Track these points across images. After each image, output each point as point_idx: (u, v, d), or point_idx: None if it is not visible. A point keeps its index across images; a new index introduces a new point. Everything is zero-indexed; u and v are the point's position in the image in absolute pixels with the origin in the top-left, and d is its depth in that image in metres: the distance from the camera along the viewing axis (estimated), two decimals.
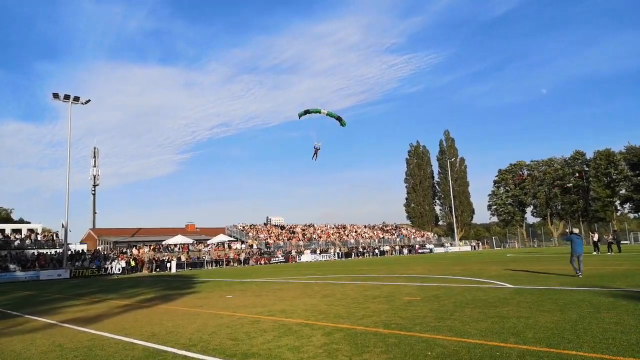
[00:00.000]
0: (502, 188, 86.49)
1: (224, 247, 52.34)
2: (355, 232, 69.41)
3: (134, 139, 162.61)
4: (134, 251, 45.94)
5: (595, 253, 31.23)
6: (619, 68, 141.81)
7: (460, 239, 77.74)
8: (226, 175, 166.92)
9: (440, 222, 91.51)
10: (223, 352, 6.54)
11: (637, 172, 71.49)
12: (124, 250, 46.99)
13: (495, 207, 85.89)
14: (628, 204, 74.98)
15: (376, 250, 61.17)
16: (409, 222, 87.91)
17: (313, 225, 69.01)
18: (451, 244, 71.32)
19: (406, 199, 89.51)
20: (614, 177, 72.98)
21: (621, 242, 37.72)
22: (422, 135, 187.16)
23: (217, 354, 6.45)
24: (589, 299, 9.82)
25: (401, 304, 10.47)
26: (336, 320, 8.82)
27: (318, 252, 55.98)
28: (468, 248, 71.33)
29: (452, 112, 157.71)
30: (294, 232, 63.49)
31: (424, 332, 7.15)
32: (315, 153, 35.37)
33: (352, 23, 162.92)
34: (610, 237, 35.76)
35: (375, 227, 74.94)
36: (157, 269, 42.20)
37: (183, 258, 45.61)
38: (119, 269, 40.11)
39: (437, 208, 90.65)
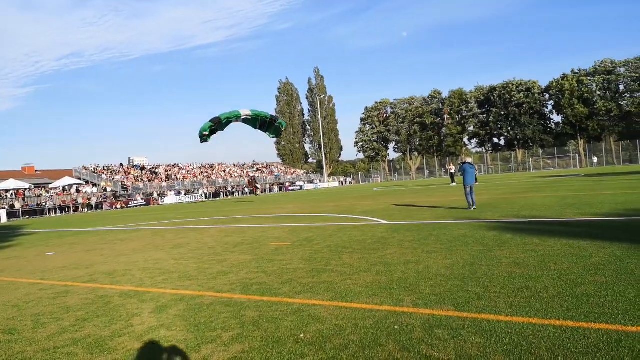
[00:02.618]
0: (368, 125, 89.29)
1: (70, 191, 45.89)
2: (224, 171, 66.47)
3: None
4: None
5: (453, 184, 33.07)
6: (471, 16, 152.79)
7: (329, 176, 79.39)
8: (80, 112, 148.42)
9: (310, 160, 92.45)
10: None
11: (483, 109, 78.63)
12: None
13: (361, 143, 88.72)
14: (475, 139, 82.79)
15: (246, 190, 59.31)
16: (279, 160, 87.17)
17: (178, 165, 64.32)
18: (320, 181, 72.39)
19: None
20: (464, 114, 79.40)
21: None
22: (292, 73, 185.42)
23: None
24: (471, 234, 8.95)
25: (267, 253, 8.61)
26: (181, 282, 6.63)
27: (183, 193, 52.29)
28: (336, 184, 73.12)
29: (322, 51, 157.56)
30: (156, 173, 58.42)
31: (295, 296, 5.32)
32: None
33: None
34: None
35: (245, 166, 72.71)
36: None
37: (17, 205, 38.86)
38: None
39: (307, 146, 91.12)
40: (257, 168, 72.63)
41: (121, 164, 60.39)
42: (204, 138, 20.99)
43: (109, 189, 48.98)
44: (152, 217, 24.44)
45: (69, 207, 41.45)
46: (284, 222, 14.64)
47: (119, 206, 44.30)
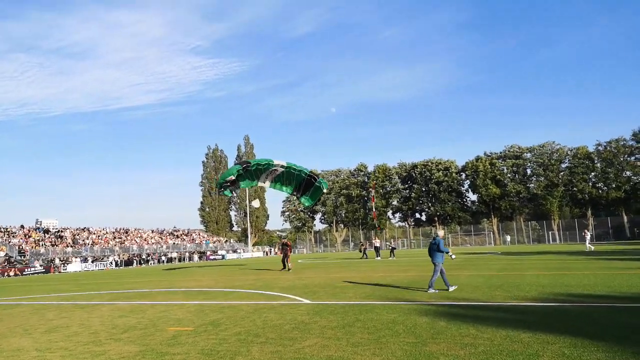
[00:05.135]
0: None
1: None
2: (140, 237, 62.13)
3: None
4: None
5: (378, 258, 32.62)
6: (392, 97, 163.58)
7: (254, 245, 76.96)
8: None
9: (235, 228, 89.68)
10: None
11: (406, 185, 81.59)
12: None
13: (288, 213, 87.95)
14: (398, 213, 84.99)
15: (163, 258, 55.41)
16: (202, 227, 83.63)
17: (88, 229, 59.25)
18: (244, 250, 69.77)
19: (201, 202, 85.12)
20: (388, 189, 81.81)
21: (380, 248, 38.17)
22: (222, 140, 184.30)
23: None
24: (401, 319, 7.99)
25: (161, 342, 7.04)
26: None
27: (90, 260, 47.64)
28: (261, 254, 70.78)
29: (253, 120, 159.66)
30: (61, 237, 53.16)
31: None
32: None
33: (155, 16, 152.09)
34: (392, 243, 37.93)
35: (165, 232, 68.66)
36: None
37: None
38: None
39: (233, 213, 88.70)
40: (177, 235, 68.82)
41: (22, 226, 54.45)
42: (225, 185, 17.26)
43: (2, 253, 43.44)
44: (44, 288, 21.29)
45: None
46: (193, 299, 12.91)
47: (12, 273, 39.15)
